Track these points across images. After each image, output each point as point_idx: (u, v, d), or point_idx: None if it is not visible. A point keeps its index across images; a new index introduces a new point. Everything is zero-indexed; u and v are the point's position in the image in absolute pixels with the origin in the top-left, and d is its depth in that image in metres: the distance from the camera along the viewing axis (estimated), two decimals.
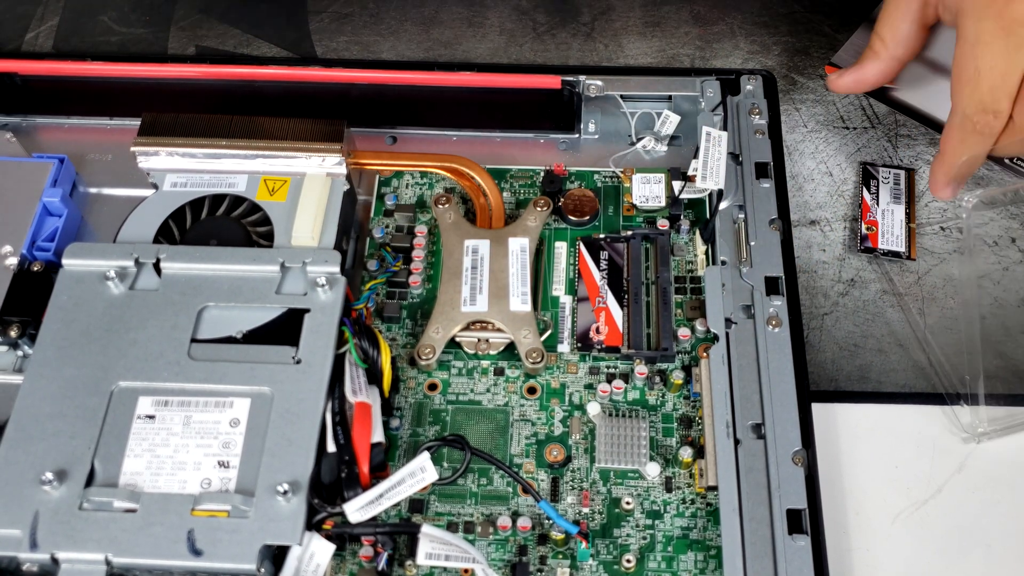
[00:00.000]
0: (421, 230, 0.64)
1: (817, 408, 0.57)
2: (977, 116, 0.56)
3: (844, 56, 0.71)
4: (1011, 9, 0.55)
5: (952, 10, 0.58)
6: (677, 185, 0.64)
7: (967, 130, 0.57)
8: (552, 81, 0.68)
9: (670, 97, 0.68)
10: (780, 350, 0.57)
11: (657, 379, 0.59)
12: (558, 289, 0.62)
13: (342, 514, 0.50)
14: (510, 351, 0.60)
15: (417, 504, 0.55)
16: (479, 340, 0.60)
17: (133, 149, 0.61)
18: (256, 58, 0.75)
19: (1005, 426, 0.58)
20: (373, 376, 0.55)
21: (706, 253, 0.62)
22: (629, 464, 0.56)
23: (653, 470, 0.55)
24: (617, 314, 0.60)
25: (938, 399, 0.59)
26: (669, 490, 0.55)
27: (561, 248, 0.63)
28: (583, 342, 0.60)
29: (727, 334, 0.57)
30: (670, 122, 0.68)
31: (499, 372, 0.59)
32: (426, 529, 0.51)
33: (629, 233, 0.63)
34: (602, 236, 0.63)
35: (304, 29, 0.77)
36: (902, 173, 0.68)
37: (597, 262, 0.62)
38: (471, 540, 0.54)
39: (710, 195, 0.64)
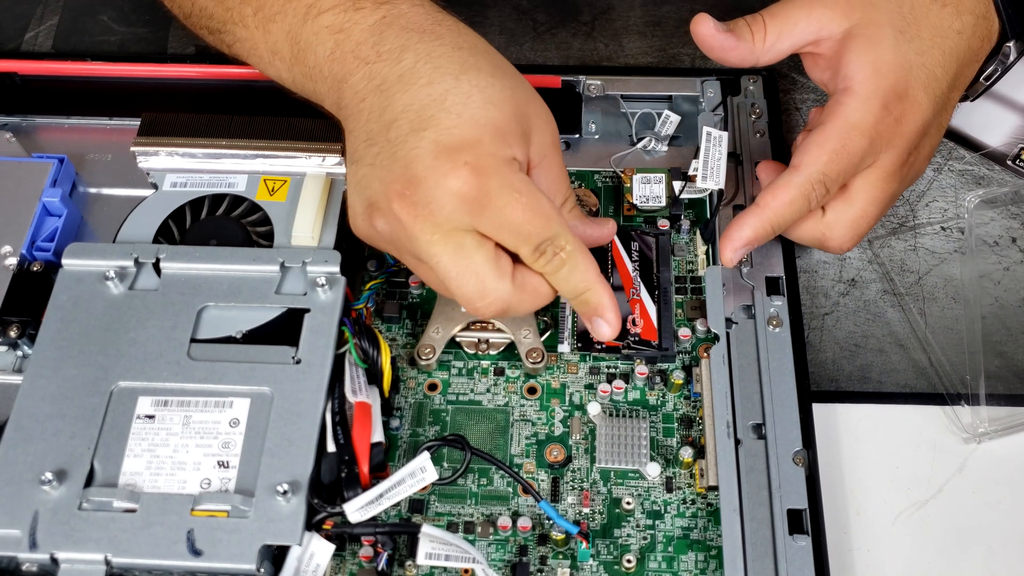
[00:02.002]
0: None
1: (818, 408, 0.57)
2: (818, 184, 0.55)
3: None
4: (886, 122, 0.54)
5: (840, 77, 0.56)
6: (677, 185, 0.64)
7: (803, 191, 0.55)
8: (552, 81, 0.68)
9: (670, 97, 0.68)
10: (781, 350, 0.57)
11: (657, 379, 0.59)
12: None
13: (342, 514, 0.50)
14: (510, 351, 0.60)
15: (417, 504, 0.55)
16: (479, 340, 0.60)
17: (133, 149, 0.61)
18: None
19: (1006, 426, 0.58)
20: (373, 376, 0.55)
21: (706, 253, 0.62)
22: (629, 464, 0.56)
23: (653, 470, 0.55)
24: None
25: (939, 399, 0.59)
26: (670, 490, 0.55)
27: None
28: (584, 341, 0.60)
29: (727, 334, 0.57)
30: (670, 122, 0.68)
31: (499, 372, 0.59)
32: (426, 529, 0.51)
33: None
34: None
35: None
36: None
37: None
38: (471, 540, 0.54)
39: (710, 195, 0.64)
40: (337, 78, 0.54)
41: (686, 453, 0.55)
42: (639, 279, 0.61)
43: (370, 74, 0.53)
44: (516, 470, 0.56)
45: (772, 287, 0.59)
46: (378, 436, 0.53)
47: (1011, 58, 0.60)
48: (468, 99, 0.50)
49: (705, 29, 0.57)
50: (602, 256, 0.61)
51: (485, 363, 0.60)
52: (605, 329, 0.53)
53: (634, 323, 0.59)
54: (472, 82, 0.51)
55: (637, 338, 0.59)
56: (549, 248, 0.50)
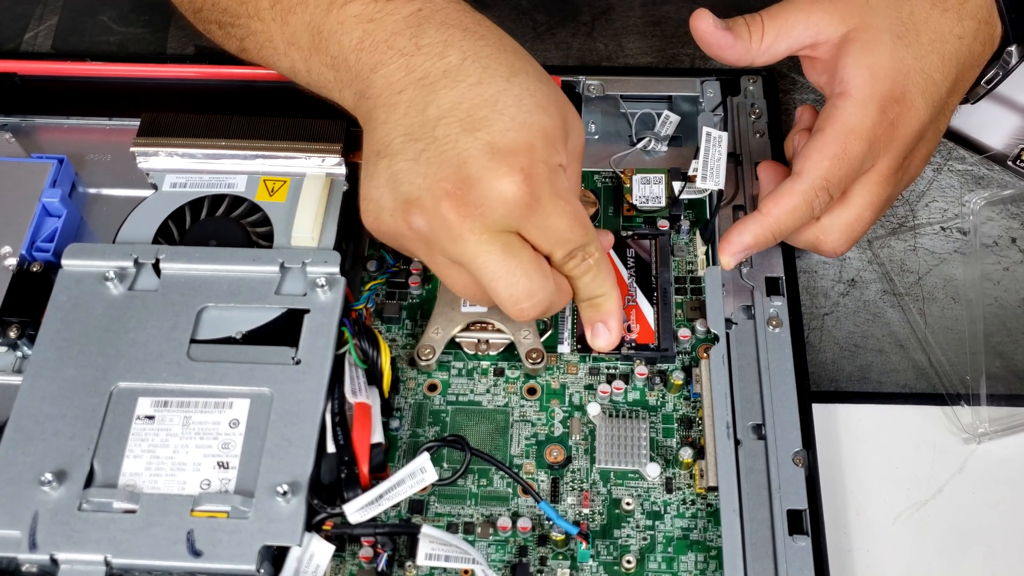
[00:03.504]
0: None
1: (818, 408, 0.57)
2: (821, 191, 0.54)
3: None
4: (883, 125, 0.54)
5: (837, 81, 0.56)
6: (677, 185, 0.64)
7: (807, 198, 0.55)
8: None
9: (670, 97, 0.68)
10: (780, 350, 0.57)
11: (657, 380, 0.59)
12: None
13: (342, 515, 0.50)
14: (510, 351, 0.60)
15: (417, 505, 0.55)
16: (479, 341, 0.60)
17: (132, 149, 0.61)
18: None
19: (1006, 426, 0.58)
20: (373, 377, 0.55)
21: (706, 253, 0.62)
22: (629, 465, 0.56)
23: (653, 471, 0.55)
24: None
25: (938, 399, 0.59)
26: (669, 491, 0.55)
27: None
28: (583, 342, 0.60)
29: (727, 334, 0.57)
30: (670, 122, 0.68)
31: (499, 373, 0.59)
32: (426, 530, 0.51)
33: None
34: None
35: None
36: None
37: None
38: (471, 541, 0.54)
39: (710, 195, 0.64)
40: (366, 67, 0.53)
41: (686, 454, 0.55)
42: (635, 284, 0.61)
43: (408, 66, 0.52)
44: (516, 471, 0.56)
45: (772, 287, 0.59)
46: (378, 437, 0.53)
47: (1012, 62, 0.60)
48: (520, 102, 0.50)
49: (704, 25, 0.57)
50: None
51: (485, 364, 0.60)
52: (604, 337, 0.54)
53: (630, 329, 0.59)
54: (523, 85, 0.51)
55: (633, 343, 0.59)
56: (580, 253, 0.52)
